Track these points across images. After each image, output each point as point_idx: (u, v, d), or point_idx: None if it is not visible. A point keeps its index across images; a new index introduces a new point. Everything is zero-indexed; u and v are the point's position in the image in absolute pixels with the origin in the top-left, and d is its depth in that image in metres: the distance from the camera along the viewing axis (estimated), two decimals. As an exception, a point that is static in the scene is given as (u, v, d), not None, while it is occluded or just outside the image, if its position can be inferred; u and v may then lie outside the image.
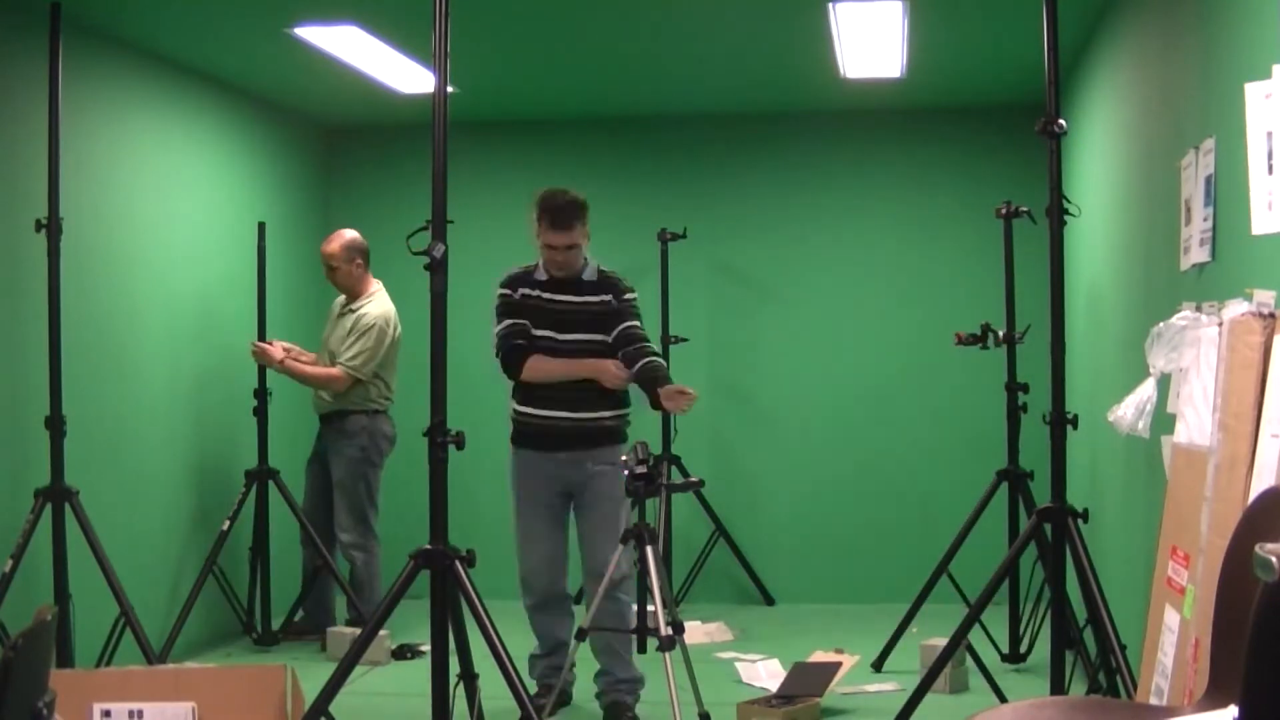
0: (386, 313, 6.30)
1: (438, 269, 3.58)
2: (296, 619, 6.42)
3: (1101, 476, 5.39)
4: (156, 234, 6.09)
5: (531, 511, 4.95)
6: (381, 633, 5.55)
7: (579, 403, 4.86)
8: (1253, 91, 2.79)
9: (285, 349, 6.28)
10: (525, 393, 4.93)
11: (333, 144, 7.88)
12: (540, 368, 4.88)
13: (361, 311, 6.26)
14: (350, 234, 6.35)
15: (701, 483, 5.14)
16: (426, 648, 4.52)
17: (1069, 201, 4.10)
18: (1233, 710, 1.84)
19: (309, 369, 6.27)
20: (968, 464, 6.75)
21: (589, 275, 4.97)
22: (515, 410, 4.98)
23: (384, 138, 7.77)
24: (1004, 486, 5.79)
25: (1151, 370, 3.03)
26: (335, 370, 6.17)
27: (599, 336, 4.90)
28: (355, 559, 6.26)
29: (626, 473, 4.38)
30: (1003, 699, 4.43)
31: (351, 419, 6.22)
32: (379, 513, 6.36)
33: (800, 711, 4.85)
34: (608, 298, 4.92)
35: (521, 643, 4.77)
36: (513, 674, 3.61)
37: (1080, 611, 4.46)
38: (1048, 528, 4.14)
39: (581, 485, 4.90)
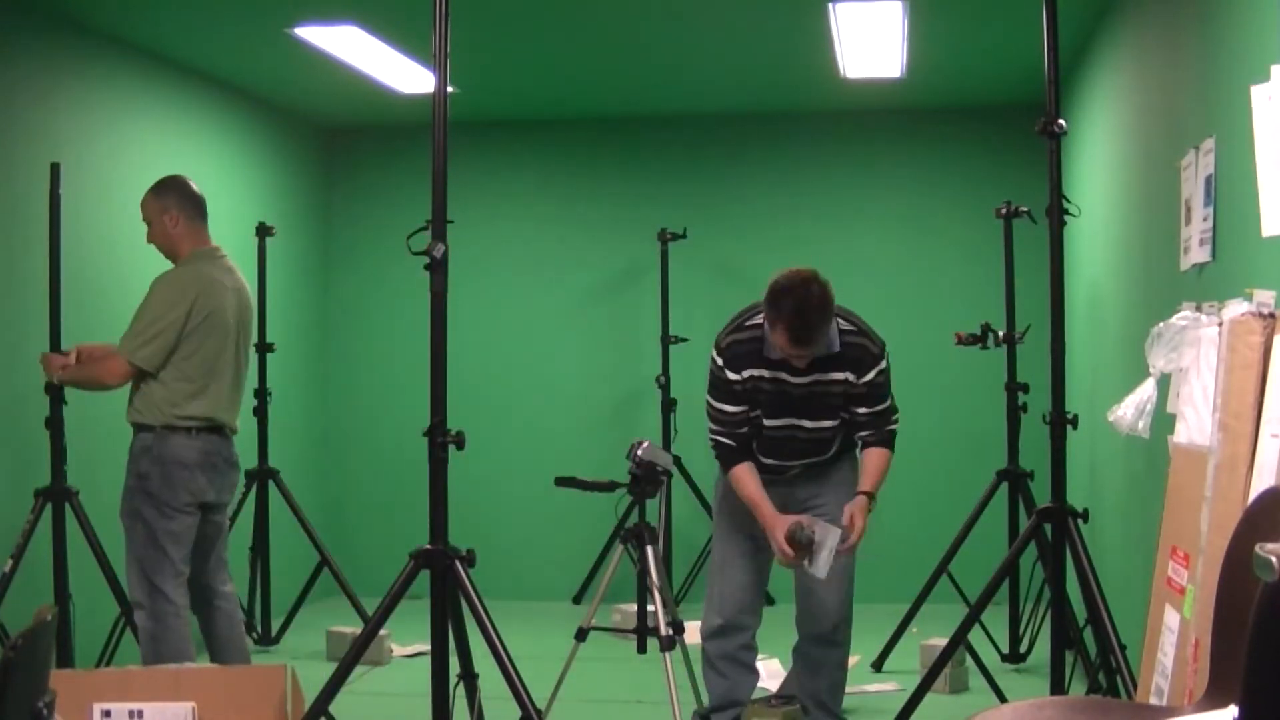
0: (183, 278, 4.53)
1: (438, 269, 3.58)
2: None
3: (1101, 476, 5.39)
4: (156, 234, 6.09)
5: None
6: (382, 632, 5.55)
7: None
8: (1258, 94, 2.77)
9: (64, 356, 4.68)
10: None
11: (333, 144, 7.88)
12: (738, 488, 4.25)
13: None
14: (167, 178, 4.70)
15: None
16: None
17: (1069, 201, 4.09)
18: (1233, 710, 1.84)
19: (82, 370, 4.61)
20: (968, 464, 6.75)
21: (831, 346, 4.11)
22: None
23: (384, 138, 7.77)
24: (1004, 486, 5.79)
25: (1151, 370, 3.03)
26: (109, 362, 4.52)
27: (827, 424, 4.23)
28: (135, 620, 4.54)
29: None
30: (1003, 699, 4.43)
31: (138, 436, 4.52)
32: (176, 568, 4.47)
33: (800, 712, 4.84)
34: (846, 376, 4.14)
35: (521, 643, 4.75)
36: (513, 674, 3.62)
37: (1080, 611, 4.46)
38: (1048, 528, 4.14)
39: None
